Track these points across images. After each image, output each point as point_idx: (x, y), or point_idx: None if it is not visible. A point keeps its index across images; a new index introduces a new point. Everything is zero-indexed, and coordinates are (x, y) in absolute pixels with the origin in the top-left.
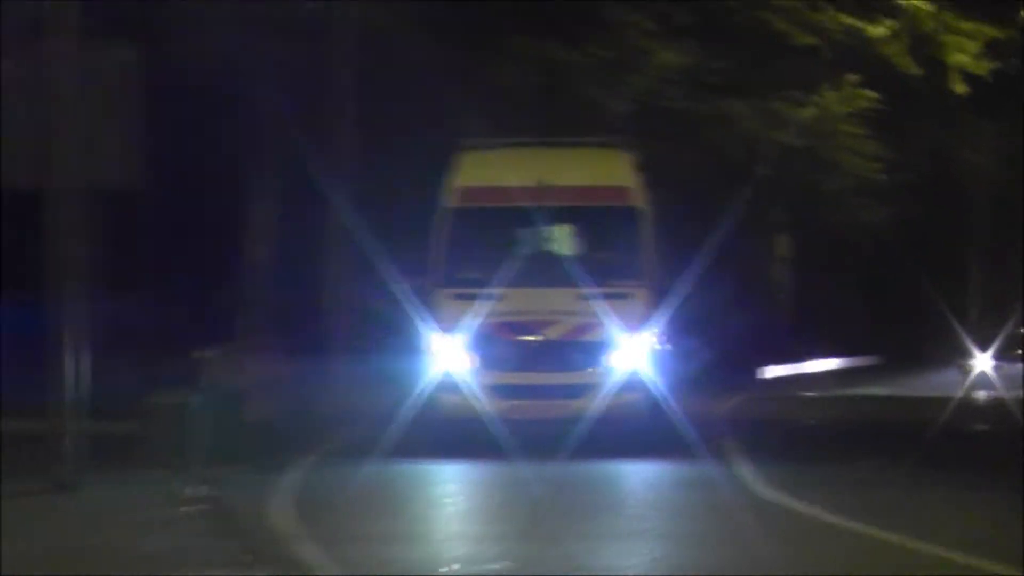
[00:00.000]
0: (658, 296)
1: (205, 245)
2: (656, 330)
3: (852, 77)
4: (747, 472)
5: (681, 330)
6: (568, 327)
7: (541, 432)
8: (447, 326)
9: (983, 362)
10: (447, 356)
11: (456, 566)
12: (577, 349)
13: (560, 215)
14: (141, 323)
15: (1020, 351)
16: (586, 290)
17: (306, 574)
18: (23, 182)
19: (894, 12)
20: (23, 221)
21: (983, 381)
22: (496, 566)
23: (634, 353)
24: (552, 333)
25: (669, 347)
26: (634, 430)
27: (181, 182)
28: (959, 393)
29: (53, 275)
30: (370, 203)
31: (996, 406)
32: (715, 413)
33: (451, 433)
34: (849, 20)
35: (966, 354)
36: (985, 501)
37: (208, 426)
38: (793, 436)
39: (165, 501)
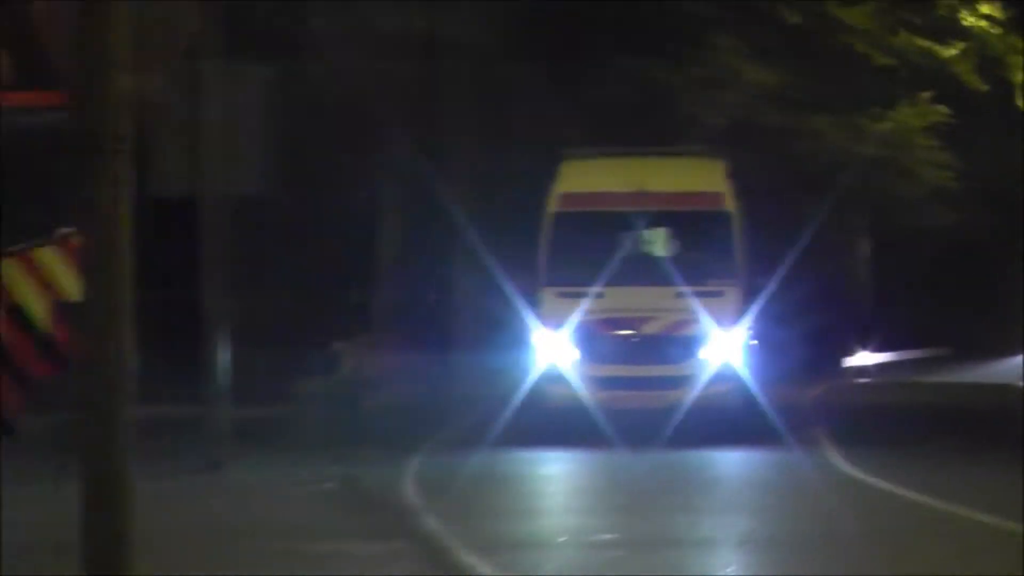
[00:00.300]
0: (748, 293)
1: (338, 248)
2: (747, 325)
3: (925, 94)
4: (831, 454)
5: (771, 324)
6: (665, 323)
7: (640, 421)
8: (552, 322)
9: None
10: (552, 350)
11: (565, 537)
12: (673, 344)
13: (657, 219)
14: (279, 319)
15: None
16: (681, 288)
17: (431, 544)
18: (173, 190)
19: (964, 35)
20: (168, 226)
21: None
22: (604, 537)
23: (726, 347)
24: (649, 329)
25: (759, 341)
26: (727, 419)
27: (319, 191)
28: (1021, 382)
29: (205, 274)
30: (483, 210)
31: None
32: (803, 400)
33: (556, 421)
34: (923, 43)
35: None
36: None
37: (343, 411)
38: (874, 420)
39: (304, 479)
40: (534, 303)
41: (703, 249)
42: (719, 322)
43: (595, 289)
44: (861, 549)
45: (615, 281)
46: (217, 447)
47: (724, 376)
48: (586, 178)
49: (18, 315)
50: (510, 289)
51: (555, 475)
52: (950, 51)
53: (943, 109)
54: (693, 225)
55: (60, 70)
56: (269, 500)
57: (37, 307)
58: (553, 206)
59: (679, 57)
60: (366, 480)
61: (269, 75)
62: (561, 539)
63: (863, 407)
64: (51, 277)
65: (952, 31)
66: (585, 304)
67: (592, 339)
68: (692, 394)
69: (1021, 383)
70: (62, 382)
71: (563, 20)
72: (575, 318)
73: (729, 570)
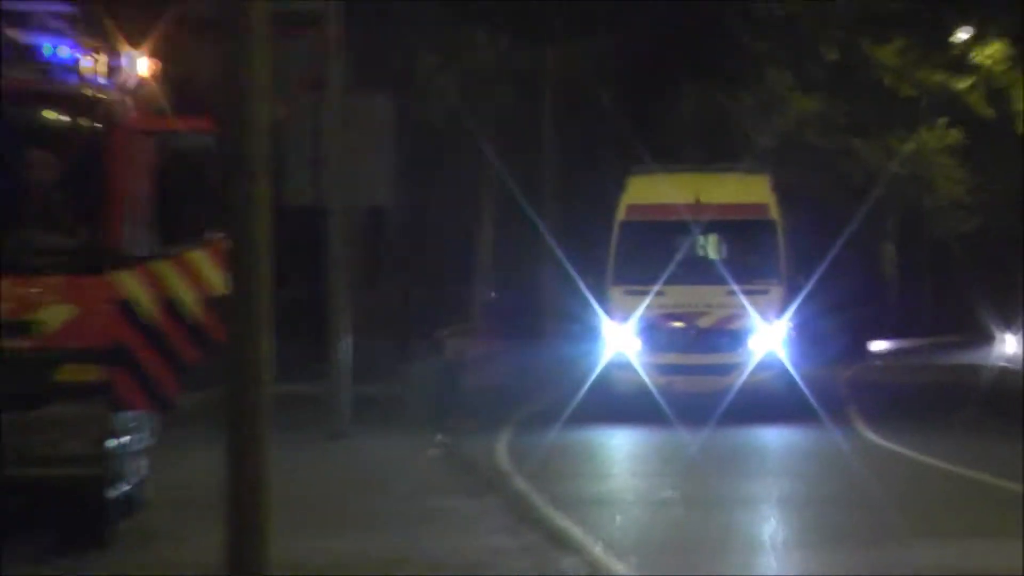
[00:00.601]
0: (790, 291)
1: (443, 252)
2: (788, 318)
3: (942, 120)
4: (861, 428)
5: (810, 317)
6: (717, 317)
7: (695, 402)
8: (619, 316)
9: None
10: (619, 340)
11: (632, 495)
12: (724, 335)
13: (710, 227)
14: (391, 311)
15: None
16: (731, 287)
17: (519, 502)
18: (303, 201)
19: (975, 70)
20: (299, 232)
21: None
22: (667, 495)
23: (770, 338)
24: (703, 322)
25: (799, 331)
26: (772, 400)
27: (427, 203)
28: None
29: (330, 273)
30: (566, 219)
31: None
32: (837, 383)
33: (622, 401)
34: (941, 76)
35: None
36: None
37: (445, 390)
38: (898, 396)
39: (414, 446)
40: (604, 300)
41: (750, 253)
42: (764, 316)
43: (656, 288)
44: (886, 507)
45: (673, 280)
46: (340, 420)
47: (768, 364)
48: (648, 191)
49: (174, 307)
50: (584, 288)
51: (621, 446)
52: (963, 83)
53: (957, 132)
54: (741, 232)
55: (211, 100)
56: (385, 464)
57: (189, 300)
58: (620, 215)
59: (737, 86)
60: (465, 448)
61: (389, 104)
62: (629, 498)
63: (887, 386)
64: (201, 275)
65: (965, 67)
66: (647, 301)
67: (653, 331)
68: (740, 379)
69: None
70: (210, 364)
71: (641, 53)
72: (639, 313)
73: (770, 524)
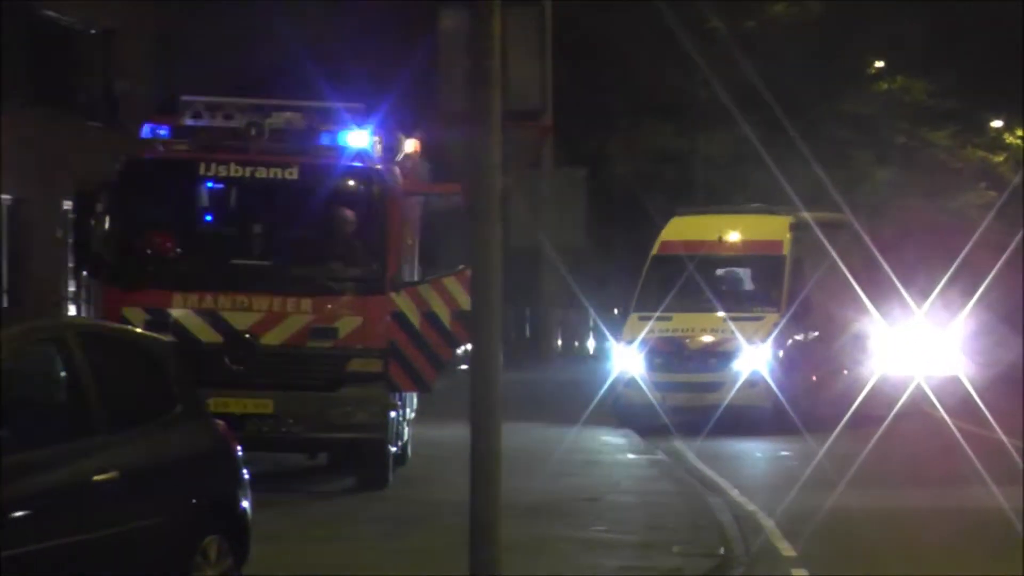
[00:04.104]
0: (790, 319)
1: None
2: (772, 342)
3: (981, 184)
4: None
5: (801, 341)
6: (707, 340)
7: (690, 416)
8: (629, 339)
9: None
10: (627, 360)
11: (629, 483)
12: (712, 356)
13: (727, 261)
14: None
15: None
16: (730, 314)
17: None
18: (524, 246)
19: (1007, 148)
20: (520, 266)
21: None
22: (658, 486)
23: (757, 359)
24: (695, 344)
25: (788, 353)
26: (756, 414)
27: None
28: None
29: (545, 296)
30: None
31: None
32: (817, 398)
33: (628, 413)
34: (982, 153)
35: None
36: None
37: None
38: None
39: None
40: (621, 325)
41: (758, 284)
42: (751, 340)
43: (666, 314)
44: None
45: (681, 308)
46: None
47: (754, 382)
48: (682, 229)
49: (432, 319)
50: (604, 314)
51: (622, 448)
52: (998, 158)
53: (992, 193)
54: (752, 266)
55: (459, 171)
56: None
57: (443, 314)
58: (654, 251)
59: (828, 164)
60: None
61: (582, 176)
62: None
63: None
64: (452, 295)
65: (998, 146)
66: (654, 325)
67: (654, 352)
68: (728, 395)
69: None
70: (456, 359)
71: (762, 141)
72: (644, 336)
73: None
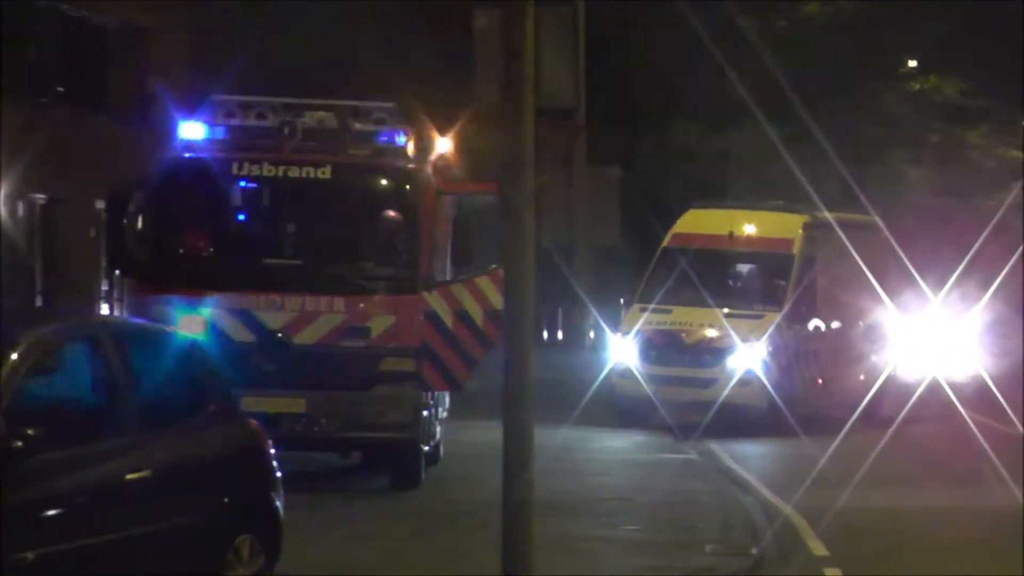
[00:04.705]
0: (790, 318)
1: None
2: (768, 340)
3: (1016, 184)
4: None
5: (799, 339)
6: (702, 335)
7: (684, 410)
8: (626, 331)
9: None
10: (623, 352)
11: (661, 482)
12: (706, 352)
13: (735, 257)
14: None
15: None
16: (729, 311)
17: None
18: (559, 244)
19: None
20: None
21: None
22: (690, 485)
23: (751, 357)
24: (689, 339)
25: (785, 351)
26: (749, 412)
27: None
28: None
29: (578, 290)
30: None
31: None
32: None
33: (622, 404)
34: (1016, 153)
35: None
36: None
37: None
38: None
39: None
40: (622, 316)
41: (764, 282)
42: (747, 338)
43: (665, 307)
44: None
45: (683, 301)
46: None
47: (747, 380)
48: (694, 223)
49: (464, 318)
50: (605, 305)
51: (606, 445)
52: None
53: None
54: (760, 263)
55: (493, 169)
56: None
57: (475, 313)
58: (664, 243)
59: (861, 163)
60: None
61: (617, 175)
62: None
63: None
64: (485, 295)
65: None
66: (652, 317)
67: (649, 345)
68: (721, 392)
69: None
70: (488, 359)
71: (794, 136)
72: (641, 328)
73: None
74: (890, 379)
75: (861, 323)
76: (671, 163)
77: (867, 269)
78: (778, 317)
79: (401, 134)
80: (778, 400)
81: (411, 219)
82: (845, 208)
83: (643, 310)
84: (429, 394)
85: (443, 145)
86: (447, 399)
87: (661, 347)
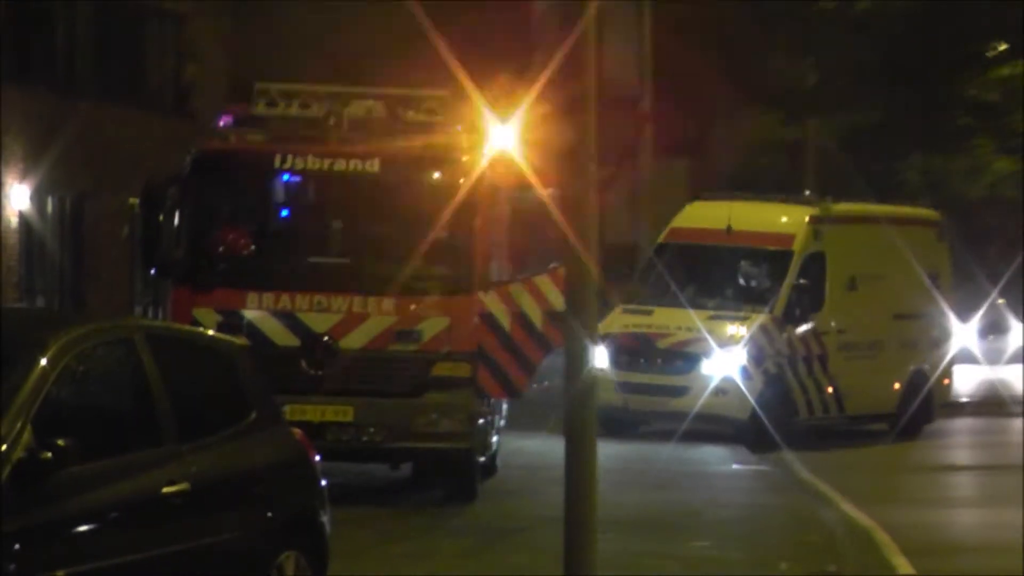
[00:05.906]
0: (780, 321)
1: None
2: (747, 345)
3: None
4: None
5: (779, 343)
6: (676, 340)
7: (655, 418)
8: (601, 334)
9: None
10: (597, 357)
11: (733, 495)
12: (679, 358)
13: (731, 253)
14: None
15: None
16: (714, 312)
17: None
18: (620, 242)
19: None
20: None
21: None
22: (763, 499)
23: (728, 363)
24: (662, 344)
25: (766, 357)
26: (727, 422)
27: None
28: None
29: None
30: None
31: None
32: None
33: (600, 415)
34: None
35: None
36: None
37: None
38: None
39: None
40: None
41: (759, 281)
42: (725, 344)
43: (647, 308)
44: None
45: (666, 302)
46: None
47: (723, 387)
48: (692, 216)
49: (523, 320)
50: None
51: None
52: None
53: None
54: (757, 260)
55: (556, 163)
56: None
57: (535, 315)
58: (660, 238)
59: (947, 153)
60: None
61: (685, 164)
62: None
63: None
64: (544, 295)
65: None
66: (630, 319)
67: (620, 349)
68: (695, 402)
69: None
70: (549, 363)
71: (881, 126)
72: (614, 331)
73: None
74: (937, 388)
75: (891, 325)
76: (744, 155)
77: (904, 266)
78: (764, 318)
79: (455, 125)
80: (760, 411)
81: (466, 215)
82: (897, 202)
83: (627, 311)
84: (485, 401)
85: (499, 136)
86: (504, 407)
87: (632, 352)
